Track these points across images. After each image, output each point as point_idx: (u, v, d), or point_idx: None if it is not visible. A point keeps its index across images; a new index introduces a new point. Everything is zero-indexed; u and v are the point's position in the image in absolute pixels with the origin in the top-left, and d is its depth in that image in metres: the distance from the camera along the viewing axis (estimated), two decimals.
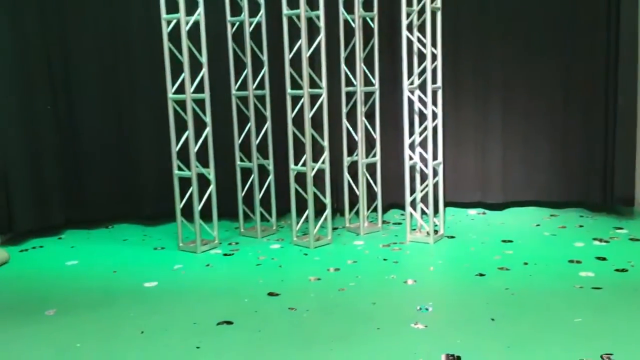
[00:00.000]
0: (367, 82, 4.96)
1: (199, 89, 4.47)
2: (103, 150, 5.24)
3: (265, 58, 4.80)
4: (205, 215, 4.61)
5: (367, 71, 4.92)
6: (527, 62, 5.21)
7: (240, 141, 4.96)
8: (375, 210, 5.10)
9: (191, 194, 4.49)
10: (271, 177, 4.94)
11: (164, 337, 2.98)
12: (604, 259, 4.03)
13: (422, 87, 4.58)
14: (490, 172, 5.38)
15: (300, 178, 4.65)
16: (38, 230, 5.04)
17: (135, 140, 5.25)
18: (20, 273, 4.17)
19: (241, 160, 4.98)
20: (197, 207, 4.50)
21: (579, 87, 5.17)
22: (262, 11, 4.74)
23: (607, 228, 4.81)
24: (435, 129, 4.60)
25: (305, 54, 4.36)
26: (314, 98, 4.54)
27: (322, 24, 4.43)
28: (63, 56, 5.06)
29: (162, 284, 3.82)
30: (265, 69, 4.82)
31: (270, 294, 3.56)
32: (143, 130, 5.23)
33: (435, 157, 4.63)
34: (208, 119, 4.52)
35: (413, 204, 4.77)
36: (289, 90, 4.51)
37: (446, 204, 5.29)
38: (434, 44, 4.49)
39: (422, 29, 4.52)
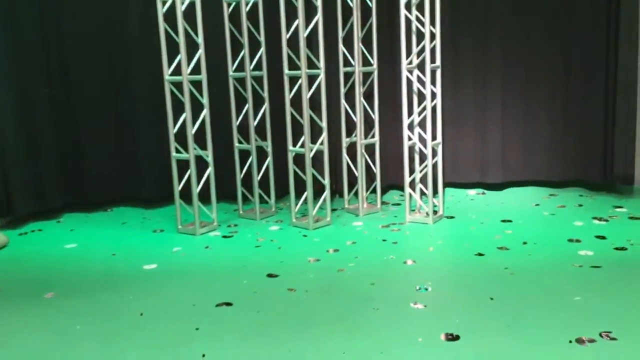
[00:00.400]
0: (366, 62, 4.92)
1: (196, 70, 4.43)
2: (101, 133, 5.21)
3: (262, 39, 4.76)
4: (204, 197, 4.60)
5: (365, 51, 4.88)
6: (526, 42, 5.16)
7: (238, 123, 4.93)
8: (374, 191, 5.09)
9: (189, 177, 4.48)
10: (270, 159, 4.92)
11: (163, 319, 2.99)
12: (603, 237, 4.03)
13: (421, 66, 4.54)
14: (489, 152, 5.36)
15: (299, 159, 4.63)
16: (37, 214, 5.03)
17: (133, 123, 5.21)
18: (20, 256, 4.17)
19: (239, 142, 4.95)
20: (196, 189, 4.48)
21: (578, 66, 5.13)
22: None
23: (607, 207, 4.81)
24: (434, 109, 4.57)
25: (303, 34, 4.31)
26: (311, 79, 4.50)
27: (319, 3, 4.38)
28: (59, 39, 5.00)
29: (162, 266, 3.82)
30: (263, 49, 4.77)
31: (270, 275, 3.56)
32: (141, 112, 5.19)
33: (434, 138, 4.61)
34: (205, 100, 4.49)
35: (412, 185, 4.76)
36: (286, 71, 4.47)
37: (445, 185, 5.28)
38: (432, 23, 4.44)
39: (420, 7, 4.47)
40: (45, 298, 3.35)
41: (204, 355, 2.59)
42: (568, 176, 5.34)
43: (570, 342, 2.58)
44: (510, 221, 4.53)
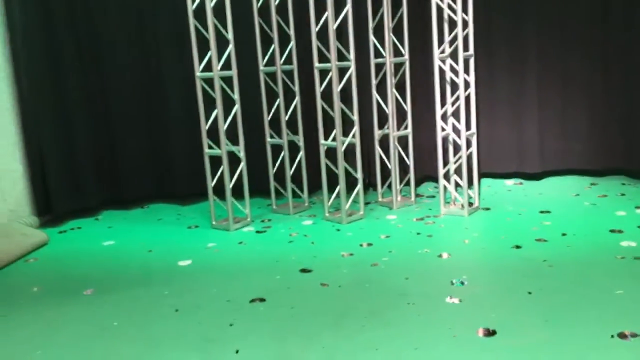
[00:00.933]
0: (397, 53, 4.85)
1: (227, 66, 4.44)
2: (135, 131, 5.28)
3: (292, 32, 4.74)
4: (237, 193, 4.62)
5: (396, 41, 4.81)
6: (564, 27, 5.01)
7: (269, 117, 4.93)
8: (408, 183, 5.03)
9: (222, 173, 4.50)
10: (302, 153, 4.91)
11: (197, 315, 3.01)
12: None
13: (454, 55, 4.45)
14: (526, 141, 5.23)
15: (331, 153, 4.60)
16: (76, 212, 5.14)
17: (166, 120, 5.27)
18: (59, 254, 4.26)
19: (271, 136, 4.95)
20: (229, 185, 4.50)
21: (618, 50, 4.96)
22: None
23: None
24: (467, 99, 4.48)
25: (332, 26, 4.27)
26: (342, 71, 4.46)
27: None
28: (92, 38, 5.08)
29: (196, 262, 3.86)
30: (292, 43, 4.75)
31: (303, 271, 3.55)
32: (173, 109, 5.24)
33: (468, 128, 4.52)
34: (236, 96, 4.50)
35: (447, 176, 4.68)
36: (316, 64, 4.44)
37: (482, 175, 5.19)
38: (465, 10, 4.35)
39: None
40: (85, 294, 3.42)
41: (237, 351, 2.60)
42: (609, 164, 5.17)
43: (612, 337, 2.49)
44: (548, 212, 4.41)
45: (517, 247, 3.71)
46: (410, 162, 4.92)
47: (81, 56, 5.05)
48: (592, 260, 3.39)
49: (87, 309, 3.20)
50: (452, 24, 4.41)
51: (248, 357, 2.56)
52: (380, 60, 4.79)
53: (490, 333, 2.60)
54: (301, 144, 4.89)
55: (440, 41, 4.47)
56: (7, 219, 4.68)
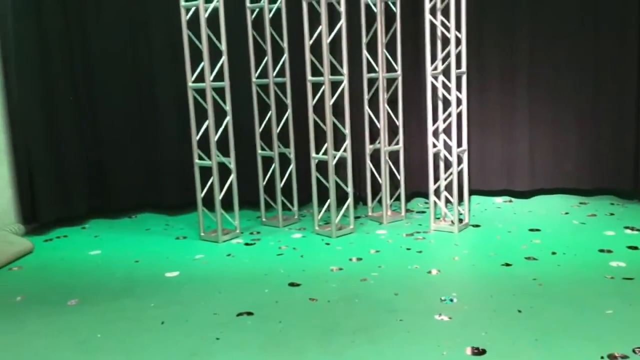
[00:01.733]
0: (390, 68, 4.86)
1: (219, 77, 4.42)
2: (125, 140, 5.24)
3: (285, 45, 4.74)
4: (227, 204, 4.58)
5: (389, 57, 4.82)
6: (554, 45, 5.05)
7: (261, 129, 4.91)
8: (398, 198, 5.02)
9: (212, 184, 4.47)
10: (292, 166, 4.89)
11: (184, 328, 2.97)
12: (635, 248, 3.89)
13: (446, 72, 4.47)
14: (516, 159, 5.25)
15: (322, 166, 4.59)
16: (63, 220, 5.08)
17: (156, 130, 5.24)
18: (44, 263, 4.20)
19: (262, 149, 4.93)
20: (218, 196, 4.47)
21: (609, 71, 5.00)
22: None
23: (639, 216, 4.66)
24: (459, 116, 4.49)
25: (326, 40, 4.28)
26: (335, 85, 4.46)
27: (342, 8, 4.33)
28: (83, 46, 5.06)
29: (184, 273, 3.81)
30: (286, 56, 4.75)
31: (292, 284, 3.52)
32: (164, 120, 5.22)
33: (459, 144, 4.53)
34: (228, 107, 4.48)
35: (437, 192, 4.67)
36: (309, 77, 4.44)
37: (472, 192, 5.19)
38: (458, 28, 4.37)
39: (445, 12, 4.40)
40: (69, 305, 3.36)
41: None
42: (599, 184, 5.19)
43: (602, 358, 2.48)
44: (538, 230, 4.42)
45: (507, 264, 3.70)
46: (401, 177, 4.92)
47: (72, 64, 5.02)
48: (581, 280, 3.39)
49: (71, 320, 3.14)
50: (445, 41, 4.43)
51: None
52: (372, 75, 4.79)
53: (480, 352, 2.58)
54: (292, 156, 4.88)
55: (433, 58, 4.49)
56: None
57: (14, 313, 3.28)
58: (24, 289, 3.67)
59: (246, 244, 4.42)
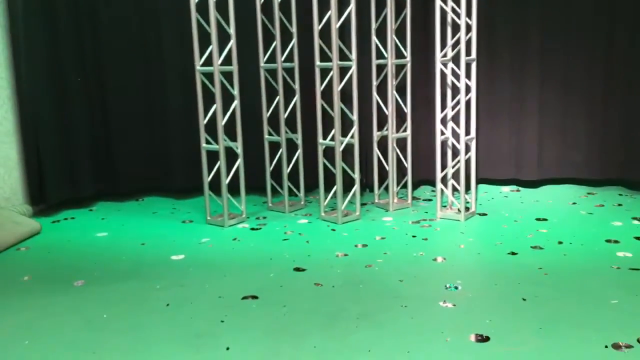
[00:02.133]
0: (399, 55, 4.83)
1: (227, 61, 4.41)
2: (133, 123, 5.25)
3: (294, 30, 4.71)
4: (233, 189, 4.59)
5: (398, 43, 4.78)
6: (566, 34, 4.99)
7: (268, 114, 4.90)
8: (405, 186, 5.01)
9: (219, 168, 4.47)
10: (299, 152, 4.88)
11: (189, 310, 2.98)
12: None
13: (456, 59, 4.43)
14: (525, 148, 5.21)
15: (329, 152, 4.58)
16: (70, 202, 5.11)
17: (164, 113, 5.24)
18: (51, 244, 4.22)
19: (269, 134, 4.93)
20: (225, 181, 4.47)
21: (619, 60, 4.94)
22: None
23: None
24: (468, 103, 4.46)
25: (335, 25, 4.25)
26: (343, 71, 4.44)
27: None
28: (92, 28, 5.05)
29: (189, 257, 3.83)
30: (294, 40, 4.72)
31: (297, 269, 3.53)
32: (172, 103, 5.21)
33: (467, 132, 4.50)
34: (236, 91, 4.47)
35: (444, 180, 4.66)
36: (318, 62, 4.42)
37: (479, 181, 5.17)
38: (468, 14, 4.33)
39: None
40: (75, 285, 3.38)
41: (228, 349, 2.58)
42: (607, 174, 5.16)
43: (606, 347, 2.47)
44: (545, 220, 4.40)
45: (513, 253, 3.69)
46: (408, 165, 4.90)
47: (81, 46, 5.02)
48: (587, 270, 3.37)
49: (77, 300, 3.17)
50: (455, 28, 4.39)
51: (238, 354, 2.53)
52: (381, 61, 4.76)
53: (483, 339, 2.58)
54: (299, 142, 4.87)
55: (443, 44, 4.46)
56: (0, 207, 4.63)
57: (21, 293, 3.31)
58: (31, 269, 3.70)
59: (252, 229, 4.43)
